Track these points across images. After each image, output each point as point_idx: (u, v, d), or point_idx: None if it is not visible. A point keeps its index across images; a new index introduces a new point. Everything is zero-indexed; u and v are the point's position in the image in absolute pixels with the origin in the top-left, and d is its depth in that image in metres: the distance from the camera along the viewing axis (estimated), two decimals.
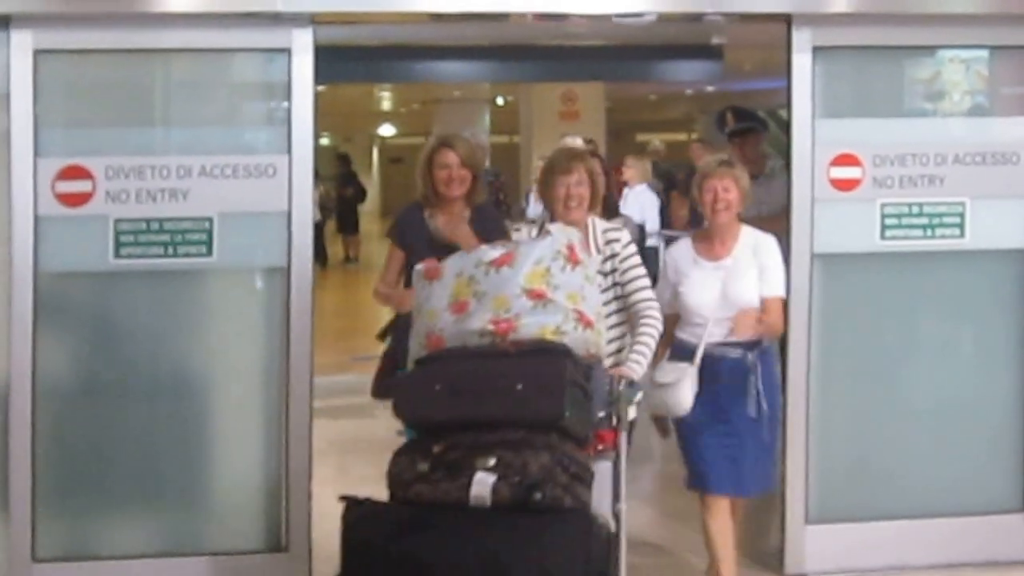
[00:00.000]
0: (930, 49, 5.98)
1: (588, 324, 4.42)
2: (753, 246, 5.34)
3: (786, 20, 5.71)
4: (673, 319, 5.37)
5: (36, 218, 5.40)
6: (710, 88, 19.42)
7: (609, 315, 5.08)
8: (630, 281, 5.17)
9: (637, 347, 5.03)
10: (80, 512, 5.63)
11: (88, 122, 5.58)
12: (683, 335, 5.36)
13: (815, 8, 5.70)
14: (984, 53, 6.03)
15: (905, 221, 5.85)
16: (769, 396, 5.32)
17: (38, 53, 5.40)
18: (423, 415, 4.26)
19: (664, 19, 6.19)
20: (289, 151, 5.54)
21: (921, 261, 5.91)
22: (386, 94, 21.41)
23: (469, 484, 3.95)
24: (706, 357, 5.17)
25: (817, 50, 5.72)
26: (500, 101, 21.24)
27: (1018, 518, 6.03)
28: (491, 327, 4.35)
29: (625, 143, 23.93)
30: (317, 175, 6.01)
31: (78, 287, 5.60)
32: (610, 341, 5.05)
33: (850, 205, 5.82)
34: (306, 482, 5.61)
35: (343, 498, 4.18)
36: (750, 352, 5.26)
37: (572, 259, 4.47)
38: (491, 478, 3.95)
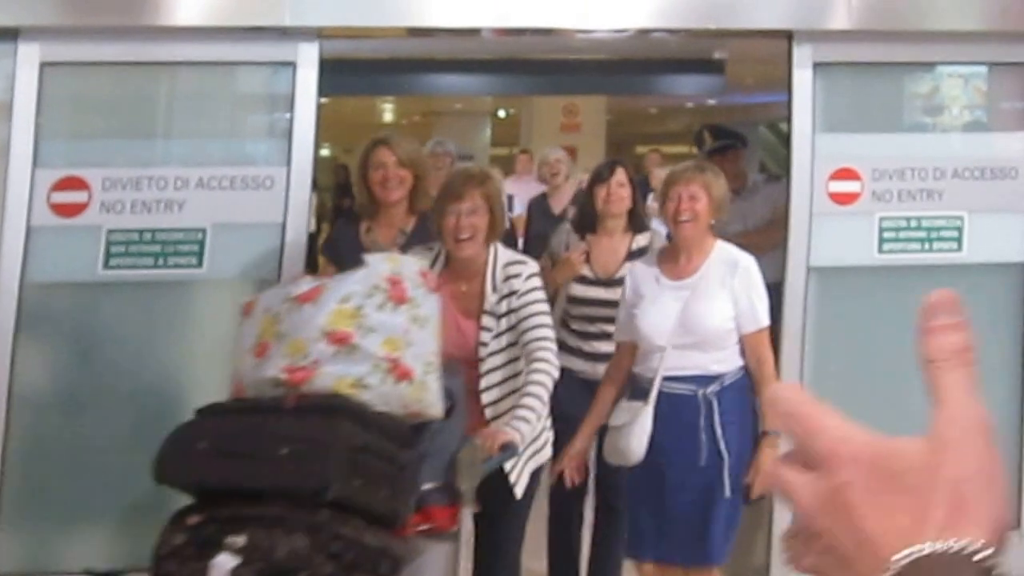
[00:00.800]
0: (929, 65, 6.03)
1: (404, 376, 3.72)
2: (729, 265, 4.63)
3: (787, 36, 5.77)
4: (631, 349, 4.78)
5: (28, 228, 5.42)
6: (711, 101, 19.48)
7: (502, 365, 4.47)
8: (524, 319, 4.39)
9: (523, 401, 4.20)
10: (57, 525, 5.59)
11: (90, 134, 5.63)
12: (639, 368, 4.70)
13: (816, 25, 5.75)
14: (983, 69, 6.09)
15: (903, 235, 5.90)
16: (732, 441, 4.57)
17: (44, 65, 5.44)
18: (179, 477, 3.66)
19: (666, 34, 6.20)
20: (288, 163, 5.57)
21: (919, 275, 5.93)
22: (388, 106, 21.43)
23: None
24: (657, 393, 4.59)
25: (817, 66, 5.78)
26: (501, 114, 21.26)
27: (1013, 536, 6.04)
28: (284, 376, 3.68)
29: (626, 155, 23.98)
30: (315, 186, 6.02)
31: (64, 298, 5.60)
32: (496, 400, 4.49)
33: (848, 219, 5.87)
34: None
35: (85, 572, 3.63)
36: (704, 388, 4.57)
37: (395, 296, 3.81)
38: (233, 562, 3.31)
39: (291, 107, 5.56)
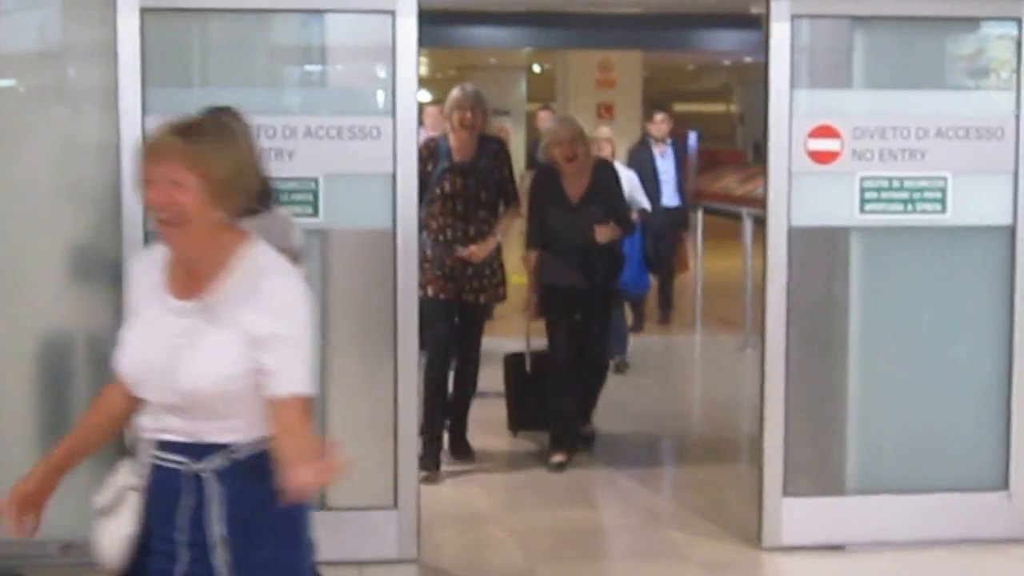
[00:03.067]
0: (912, 20, 5.80)
1: None
2: (249, 289, 2.90)
3: None
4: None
5: None
6: (748, 59, 19.26)
7: None
8: None
9: None
10: None
11: (195, 81, 5.60)
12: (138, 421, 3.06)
13: None
14: (965, 24, 5.90)
15: (885, 195, 5.74)
16: (244, 547, 2.93)
17: (145, 11, 5.38)
18: None
19: None
20: (393, 113, 5.52)
21: (901, 236, 5.81)
22: (422, 60, 21.36)
23: None
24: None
25: (796, 18, 5.61)
26: (536, 69, 21.16)
27: (1000, 496, 5.95)
28: None
29: (665, 113, 23.69)
30: None
31: None
32: None
33: (828, 178, 5.73)
34: (415, 443, 5.73)
35: None
36: (196, 461, 2.93)
37: None
38: None
39: (393, 55, 5.50)
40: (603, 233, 7.13)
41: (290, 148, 5.48)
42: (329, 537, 5.42)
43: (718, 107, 26.48)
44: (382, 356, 5.63)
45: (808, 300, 5.82)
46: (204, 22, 5.56)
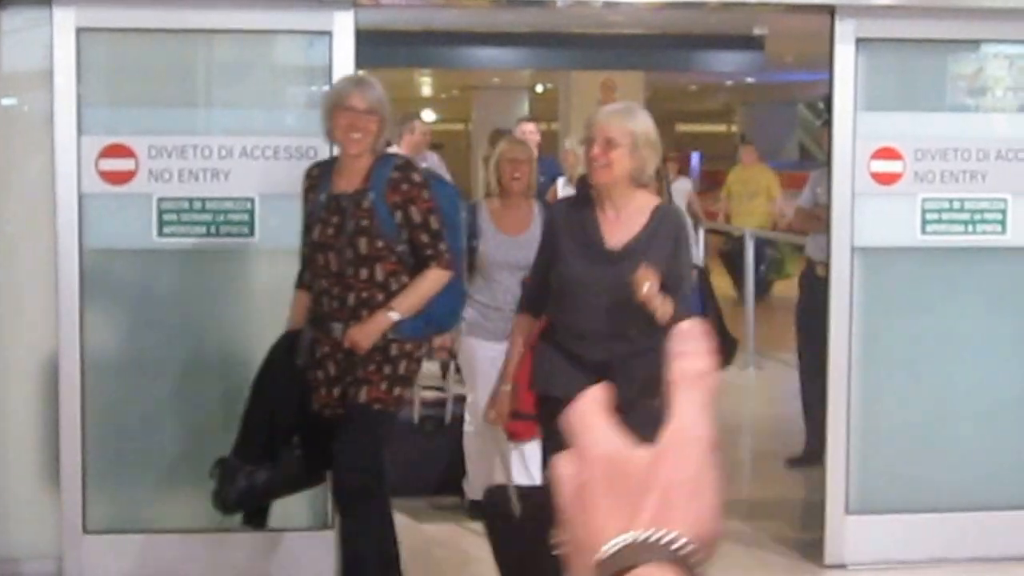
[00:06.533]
0: (975, 43, 5.90)
1: None
2: None
3: (830, 11, 5.68)
4: None
5: (80, 195, 5.43)
6: (750, 79, 19.34)
7: None
8: None
9: None
10: (128, 486, 5.67)
11: (130, 101, 5.59)
12: None
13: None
14: None
15: (946, 216, 5.80)
16: None
17: (81, 31, 5.41)
18: None
19: (709, 8, 6.09)
20: None
21: (962, 256, 5.86)
22: (426, 80, 21.35)
23: None
24: None
25: (860, 42, 5.68)
26: (540, 88, 21.17)
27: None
28: None
29: (665, 133, 23.83)
30: None
31: (122, 264, 5.63)
32: None
33: (891, 199, 5.78)
34: None
35: None
36: None
37: None
38: None
39: (330, 77, 5.50)
40: (646, 277, 4.24)
41: (226, 168, 5.50)
42: (265, 558, 5.60)
43: (719, 127, 26.59)
44: None
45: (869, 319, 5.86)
46: (141, 42, 5.56)
